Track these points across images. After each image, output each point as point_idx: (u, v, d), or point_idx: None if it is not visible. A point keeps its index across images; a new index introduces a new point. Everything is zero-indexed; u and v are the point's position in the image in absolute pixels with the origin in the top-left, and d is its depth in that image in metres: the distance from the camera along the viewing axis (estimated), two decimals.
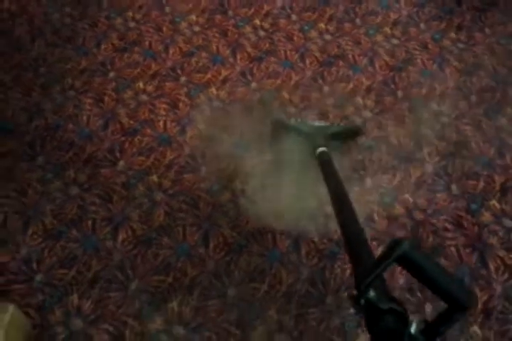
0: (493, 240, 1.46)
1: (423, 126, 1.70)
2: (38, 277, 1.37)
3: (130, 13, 1.98)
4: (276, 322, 1.28)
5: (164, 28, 1.94)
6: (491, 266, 1.42)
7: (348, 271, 1.38)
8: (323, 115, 1.72)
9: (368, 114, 1.73)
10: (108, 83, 1.81)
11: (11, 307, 1.22)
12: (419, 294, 1.36)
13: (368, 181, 1.56)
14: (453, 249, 1.45)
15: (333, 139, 1.56)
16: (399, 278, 1.38)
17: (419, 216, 1.51)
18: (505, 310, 1.35)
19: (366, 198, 1.52)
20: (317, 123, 1.65)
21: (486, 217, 1.51)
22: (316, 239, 1.45)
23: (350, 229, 1.00)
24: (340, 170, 1.29)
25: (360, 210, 1.06)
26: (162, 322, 1.28)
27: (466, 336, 1.30)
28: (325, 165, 1.33)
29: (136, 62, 1.85)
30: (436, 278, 0.76)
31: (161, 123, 1.72)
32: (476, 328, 1.32)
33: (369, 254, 0.90)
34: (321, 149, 1.41)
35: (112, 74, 1.81)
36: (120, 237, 1.45)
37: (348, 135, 1.65)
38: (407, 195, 1.53)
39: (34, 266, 1.39)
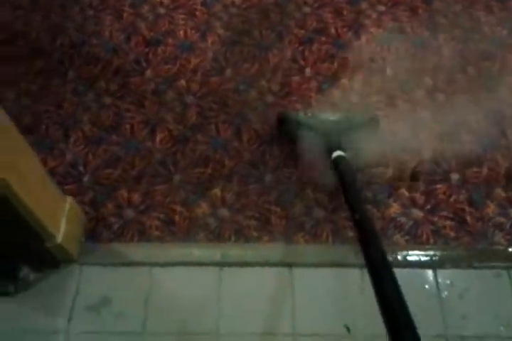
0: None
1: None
2: (86, 178, 1.45)
3: None
4: (312, 199, 1.38)
5: None
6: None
7: None
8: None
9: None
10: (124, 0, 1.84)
11: (69, 198, 1.32)
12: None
13: None
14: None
15: (351, 132, 1.38)
16: None
17: None
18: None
19: None
20: (330, 116, 1.45)
21: None
22: None
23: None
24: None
25: None
26: (208, 207, 1.37)
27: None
28: (341, 173, 1.20)
29: None
30: None
31: (182, 32, 1.74)
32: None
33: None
34: (337, 153, 1.26)
35: None
36: (158, 138, 1.52)
37: (366, 125, 1.45)
38: None
39: (81, 168, 1.47)
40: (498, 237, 1.29)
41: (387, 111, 1.52)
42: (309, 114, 1.45)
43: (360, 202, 1.10)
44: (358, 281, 1.19)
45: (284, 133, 1.46)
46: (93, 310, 1.24)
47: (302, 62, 1.66)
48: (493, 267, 1.24)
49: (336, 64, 1.64)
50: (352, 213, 1.03)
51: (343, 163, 1.22)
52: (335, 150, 1.26)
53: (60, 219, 1.27)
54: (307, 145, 1.34)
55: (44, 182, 1.20)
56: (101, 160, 1.49)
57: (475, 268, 1.24)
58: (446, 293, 1.21)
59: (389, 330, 0.77)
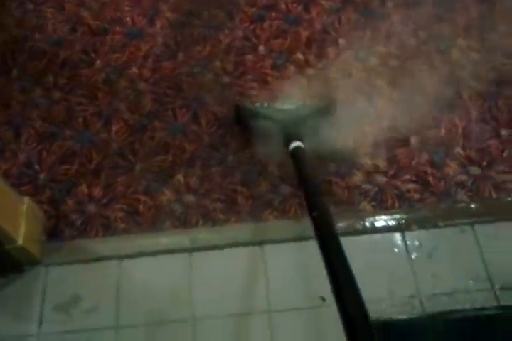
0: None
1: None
2: (42, 176, 1.39)
3: None
4: (277, 176, 1.35)
5: None
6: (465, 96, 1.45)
7: None
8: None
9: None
10: None
11: (26, 198, 1.27)
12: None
13: None
14: None
15: (308, 121, 1.34)
16: None
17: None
18: None
19: None
20: (286, 106, 1.41)
21: None
22: None
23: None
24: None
25: None
26: (172, 194, 1.34)
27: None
28: (299, 163, 1.18)
29: None
30: None
31: (129, 19, 1.69)
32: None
33: None
34: (294, 144, 1.22)
35: None
36: (114, 129, 1.46)
37: (323, 112, 1.40)
38: None
39: (36, 167, 1.41)
40: (461, 195, 1.30)
41: (343, 82, 1.52)
42: (265, 104, 1.42)
43: (318, 197, 1.04)
44: None
45: (242, 125, 1.42)
46: (63, 310, 1.19)
47: (255, 40, 1.62)
48: (457, 224, 1.25)
49: (288, 39, 1.61)
50: (309, 211, 0.99)
51: (300, 154, 1.19)
52: (293, 141, 1.23)
53: (19, 220, 1.22)
54: (265, 136, 1.31)
55: None
56: (56, 156, 1.43)
57: (440, 227, 1.24)
58: (415, 254, 1.21)
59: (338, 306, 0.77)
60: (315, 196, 1.04)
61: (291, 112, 1.38)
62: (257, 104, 1.42)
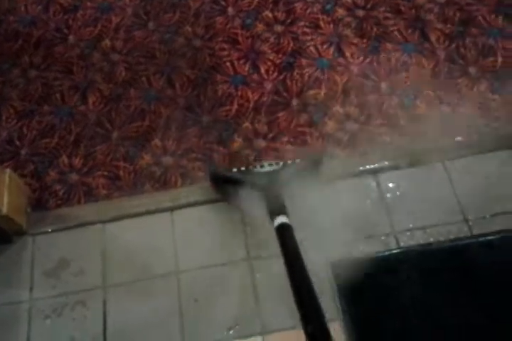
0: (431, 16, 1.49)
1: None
2: (24, 151, 1.41)
3: None
4: (252, 131, 1.36)
5: None
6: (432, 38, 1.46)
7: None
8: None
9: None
10: None
11: (8, 170, 1.28)
12: None
13: None
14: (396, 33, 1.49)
15: (293, 180, 1.18)
16: None
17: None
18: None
19: None
20: (266, 168, 1.23)
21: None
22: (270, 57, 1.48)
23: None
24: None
25: None
26: (150, 157, 1.34)
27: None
28: (285, 249, 1.01)
29: None
30: None
31: None
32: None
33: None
34: (279, 220, 1.05)
35: None
36: (90, 100, 1.48)
37: (309, 169, 1.25)
38: None
39: (17, 143, 1.43)
40: (433, 133, 1.28)
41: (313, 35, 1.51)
42: (243, 168, 1.24)
43: (305, 284, 0.93)
44: None
45: (220, 192, 1.27)
46: (52, 275, 1.22)
47: (223, 2, 1.62)
48: (429, 162, 1.24)
49: None
50: (299, 309, 0.89)
51: (286, 234, 1.03)
52: (277, 216, 1.06)
53: (1, 190, 1.25)
54: (247, 207, 1.19)
55: None
56: (36, 131, 1.45)
57: (412, 166, 1.24)
58: (389, 195, 1.21)
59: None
60: (302, 286, 0.93)
61: (273, 176, 1.20)
62: (234, 169, 1.24)
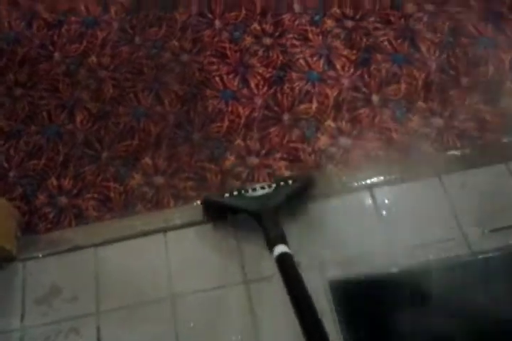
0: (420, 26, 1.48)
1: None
2: (11, 173, 1.39)
3: None
4: (244, 148, 1.33)
5: None
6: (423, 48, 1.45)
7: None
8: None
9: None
10: None
11: None
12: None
13: None
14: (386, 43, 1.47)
15: (287, 202, 1.17)
16: None
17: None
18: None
19: None
20: (259, 191, 1.19)
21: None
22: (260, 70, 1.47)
23: None
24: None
25: None
26: (141, 177, 1.32)
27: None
28: (286, 272, 0.99)
29: None
30: None
31: (83, 8, 1.66)
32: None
33: None
34: (279, 249, 1.01)
35: None
36: (78, 119, 1.45)
37: (302, 188, 1.22)
38: None
39: (4, 165, 1.40)
40: (426, 146, 1.28)
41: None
42: (235, 193, 1.20)
43: (310, 314, 0.92)
44: None
45: (213, 218, 1.23)
46: (44, 302, 1.19)
47: (210, 16, 1.59)
48: (424, 176, 1.23)
49: (243, 11, 1.58)
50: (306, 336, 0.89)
51: (287, 263, 1.00)
52: (276, 245, 1.02)
53: None
54: (243, 235, 1.17)
55: None
56: (23, 153, 1.42)
57: (407, 181, 1.22)
58: (384, 211, 1.19)
59: None
60: (306, 315, 0.92)
61: (267, 200, 1.16)
62: (226, 194, 1.21)
